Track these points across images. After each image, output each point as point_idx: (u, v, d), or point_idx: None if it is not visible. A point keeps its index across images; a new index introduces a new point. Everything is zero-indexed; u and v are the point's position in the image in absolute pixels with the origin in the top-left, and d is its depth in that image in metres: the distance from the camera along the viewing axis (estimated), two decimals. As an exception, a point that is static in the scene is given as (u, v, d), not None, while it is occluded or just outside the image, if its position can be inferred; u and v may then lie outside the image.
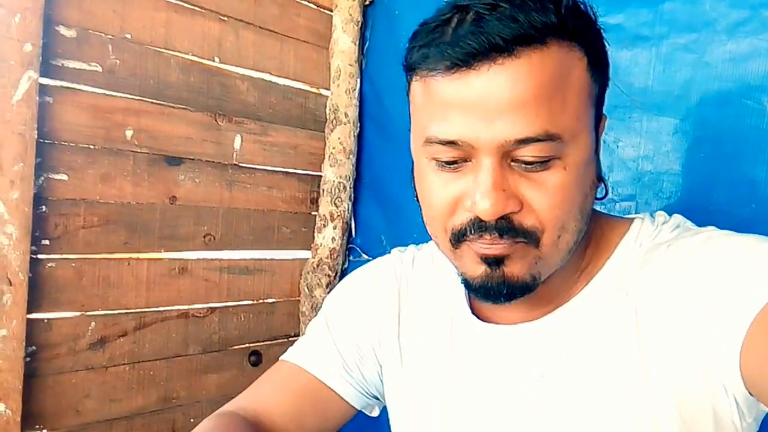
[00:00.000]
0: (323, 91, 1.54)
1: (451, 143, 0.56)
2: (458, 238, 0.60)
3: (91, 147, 1.14)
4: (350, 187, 1.52)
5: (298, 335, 1.49)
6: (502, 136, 0.54)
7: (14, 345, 1.03)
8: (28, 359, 1.06)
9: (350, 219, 1.53)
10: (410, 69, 0.61)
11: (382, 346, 0.81)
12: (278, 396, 0.79)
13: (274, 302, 1.46)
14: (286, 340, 1.46)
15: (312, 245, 1.51)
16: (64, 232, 1.11)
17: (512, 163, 0.56)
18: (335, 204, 1.49)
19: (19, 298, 1.03)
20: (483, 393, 0.70)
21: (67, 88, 1.11)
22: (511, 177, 0.56)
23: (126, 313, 1.20)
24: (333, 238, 1.48)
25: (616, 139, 1.08)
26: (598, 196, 0.66)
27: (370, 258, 1.50)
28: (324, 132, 1.53)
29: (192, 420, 1.29)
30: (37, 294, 1.07)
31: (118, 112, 1.17)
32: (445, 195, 0.60)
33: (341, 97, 1.51)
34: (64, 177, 1.11)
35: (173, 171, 1.26)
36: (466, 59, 0.54)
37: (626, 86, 1.06)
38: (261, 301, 1.43)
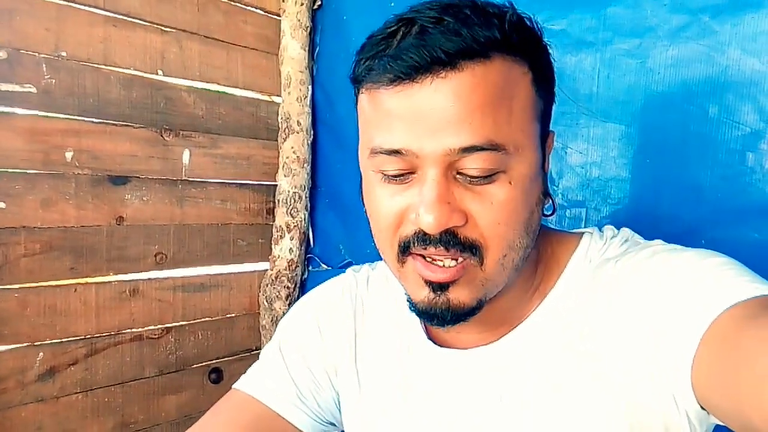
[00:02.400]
0: (275, 98, 1.51)
1: (395, 152, 0.56)
2: (403, 249, 0.59)
3: (30, 172, 1.10)
4: (306, 197, 1.49)
5: (259, 349, 1.47)
6: (446, 145, 0.54)
7: (-44, 383, 1.00)
8: (-28, 397, 1.02)
9: (308, 229, 1.51)
10: (357, 81, 0.61)
11: (339, 374, 0.79)
12: (229, 430, 0.77)
13: (232, 317, 1.43)
14: (247, 354, 1.44)
15: (270, 257, 1.48)
16: (5, 261, 1.07)
17: (457, 176, 0.56)
18: (291, 215, 1.46)
19: (-41, 335, 1.00)
20: (441, 418, 0.69)
21: (1, 112, 1.06)
22: (456, 190, 0.56)
23: (76, 340, 1.17)
24: (291, 249, 1.46)
25: (564, 145, 1.08)
26: (546, 212, 0.65)
27: (330, 268, 1.48)
28: (277, 140, 1.50)
29: (152, 443, 1.27)
30: (-22, 329, 1.04)
31: (56, 133, 1.13)
32: (391, 207, 0.59)
33: (293, 105, 1.48)
34: (2, 205, 1.07)
35: (119, 191, 1.22)
36: (408, 72, 0.54)
37: (572, 92, 1.05)
38: (219, 317, 1.40)
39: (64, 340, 1.15)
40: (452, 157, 0.54)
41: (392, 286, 0.80)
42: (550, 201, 0.66)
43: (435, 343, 0.71)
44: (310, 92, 1.50)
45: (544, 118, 0.62)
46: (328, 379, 0.80)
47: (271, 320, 1.44)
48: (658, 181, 1.01)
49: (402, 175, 0.58)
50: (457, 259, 0.57)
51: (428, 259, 0.58)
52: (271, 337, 1.39)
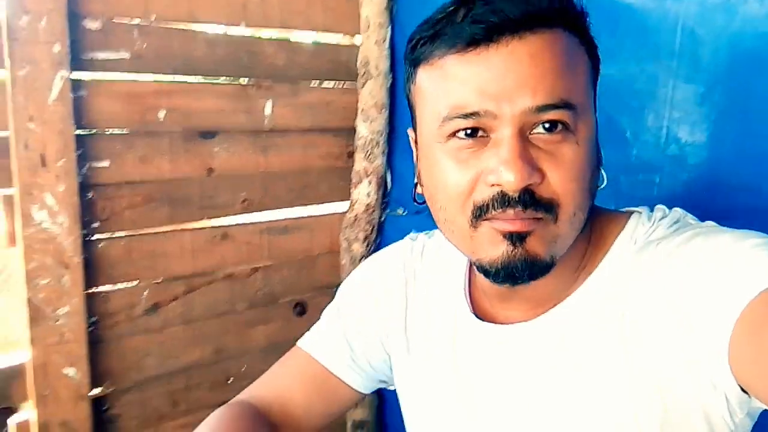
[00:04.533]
0: (357, 40, 1.52)
1: (472, 115, 0.59)
2: (479, 214, 0.61)
3: (128, 132, 1.21)
4: (384, 142, 1.53)
5: (339, 285, 1.57)
6: (523, 105, 0.57)
7: (77, 318, 1.16)
8: (91, 329, 1.19)
9: (385, 173, 1.56)
10: (417, 60, 0.64)
11: (390, 338, 0.86)
12: (289, 384, 0.88)
13: (315, 256, 1.54)
14: (328, 290, 1.55)
15: (349, 201, 1.56)
16: (111, 213, 1.21)
17: (530, 136, 0.59)
18: (369, 160, 1.51)
19: (77, 277, 1.15)
20: (485, 390, 0.74)
21: (99, 80, 1.16)
22: (531, 150, 0.59)
23: (175, 279, 1.31)
24: (368, 194, 1.53)
25: (642, 105, 1.04)
26: (599, 184, 0.67)
27: (407, 212, 1.54)
28: (356, 85, 1.53)
29: (244, 368, 1.43)
30: (92, 272, 1.19)
31: (149, 95, 1.22)
32: (463, 175, 0.61)
33: (371, 49, 1.49)
34: (106, 164, 1.19)
35: (208, 144, 1.32)
36: (486, 35, 0.58)
37: (652, 48, 1.01)
38: (302, 256, 1.51)
39: (164, 279, 1.30)
40: (528, 116, 0.58)
41: (444, 257, 0.84)
42: (602, 174, 0.68)
43: (478, 317, 0.75)
44: (389, 35, 1.50)
45: (594, 89, 0.66)
46: (380, 343, 0.87)
47: (350, 260, 1.53)
48: (739, 149, 0.97)
49: (476, 137, 0.60)
50: (532, 218, 0.60)
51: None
52: (348, 275, 1.50)
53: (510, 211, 0.59)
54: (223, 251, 1.37)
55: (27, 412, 1.16)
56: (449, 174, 0.62)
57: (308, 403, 0.87)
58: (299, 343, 0.91)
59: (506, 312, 0.73)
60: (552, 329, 0.68)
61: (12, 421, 1.16)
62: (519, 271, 0.61)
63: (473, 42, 0.58)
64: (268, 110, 1.39)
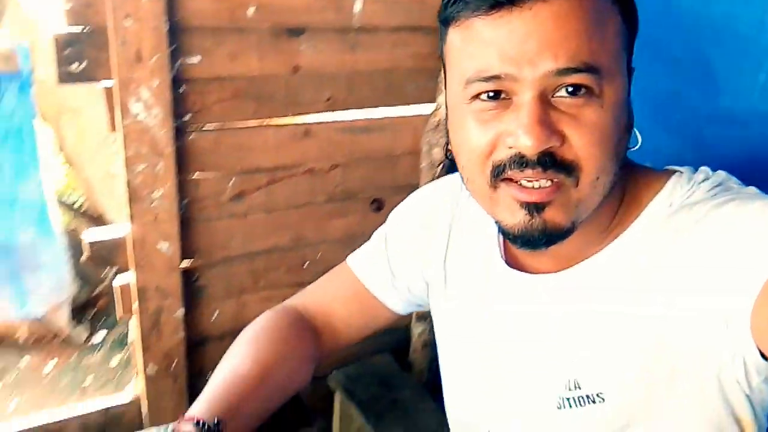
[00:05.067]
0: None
1: (493, 78, 0.60)
2: (497, 174, 0.62)
3: (219, 28, 1.25)
4: (476, 46, 1.47)
5: (418, 186, 1.61)
6: (544, 68, 0.57)
7: (170, 200, 1.29)
8: (182, 211, 1.32)
9: (474, 78, 1.51)
10: (446, 21, 0.65)
11: (430, 268, 0.90)
12: (333, 298, 0.96)
13: (396, 155, 1.57)
14: (406, 189, 1.59)
15: (435, 105, 1.54)
16: (202, 107, 1.29)
17: (553, 99, 0.59)
18: (458, 64, 1.47)
19: (169, 165, 1.26)
20: (508, 332, 0.78)
21: (191, -23, 1.19)
22: (553, 113, 0.59)
23: (258, 171, 1.40)
24: (454, 99, 1.50)
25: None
26: (631, 146, 0.67)
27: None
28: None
29: (319, 255, 1.54)
30: (184, 160, 1.30)
31: (239, -9, 1.24)
32: (484, 135, 0.62)
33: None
34: (197, 59, 1.25)
35: (295, 42, 1.33)
36: None
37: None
38: (383, 155, 1.55)
39: (249, 171, 1.39)
40: (549, 79, 0.58)
41: None
42: (636, 134, 0.67)
43: (508, 263, 0.78)
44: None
45: (629, 49, 0.64)
46: (420, 272, 0.92)
47: (429, 165, 1.55)
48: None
49: (498, 94, 0.61)
50: (552, 180, 0.60)
51: (522, 183, 0.62)
52: (428, 178, 1.53)
53: (528, 171, 0.60)
54: (305, 147, 1.43)
55: (128, 276, 1.34)
56: (471, 134, 0.63)
57: (348, 317, 0.95)
58: (348, 259, 0.98)
59: (534, 263, 0.75)
60: (576, 283, 0.70)
61: (116, 282, 1.34)
62: (536, 239, 0.63)
63: (497, 4, 0.57)
64: (357, 7, 1.37)
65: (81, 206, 3.24)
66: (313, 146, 1.44)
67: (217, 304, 1.47)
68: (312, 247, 1.53)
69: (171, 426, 0.71)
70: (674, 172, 0.70)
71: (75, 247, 2.98)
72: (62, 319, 2.89)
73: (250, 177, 1.39)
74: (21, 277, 2.76)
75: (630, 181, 0.70)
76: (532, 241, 0.63)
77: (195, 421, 0.70)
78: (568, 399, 0.70)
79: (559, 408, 0.71)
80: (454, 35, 0.63)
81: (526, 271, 0.75)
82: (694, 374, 0.62)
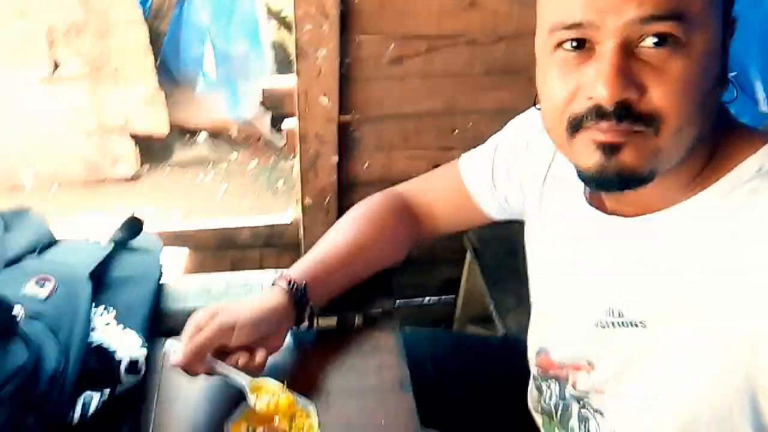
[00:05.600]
0: None
1: (576, 26, 0.60)
2: (575, 126, 0.63)
3: None
4: None
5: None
6: (627, 16, 0.56)
7: (331, 59, 1.39)
8: (342, 69, 1.43)
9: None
10: None
11: (529, 184, 0.94)
12: (437, 192, 1.06)
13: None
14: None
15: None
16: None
17: (636, 49, 0.58)
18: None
19: (334, 26, 1.35)
20: (582, 266, 0.82)
21: None
22: (635, 64, 0.58)
23: (419, 38, 1.43)
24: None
25: None
26: (726, 99, 0.65)
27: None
28: None
29: (470, 124, 1.58)
30: (348, 23, 1.37)
31: None
32: (566, 85, 0.63)
33: None
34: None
35: None
36: None
37: None
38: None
39: (410, 36, 1.42)
40: (633, 28, 0.57)
41: None
42: (733, 87, 0.65)
43: (590, 202, 0.79)
44: None
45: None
46: (519, 185, 0.96)
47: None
48: None
49: (581, 50, 0.61)
50: (628, 130, 0.60)
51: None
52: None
53: (604, 124, 0.60)
54: (469, 17, 1.42)
55: (292, 121, 1.51)
56: (552, 84, 0.64)
57: (447, 211, 1.04)
58: (460, 159, 1.04)
59: (613, 205, 0.76)
60: (646, 231, 0.70)
61: (284, 126, 1.53)
62: (611, 182, 0.63)
63: None
64: None
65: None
66: (477, 17, 1.42)
67: (368, 155, 1.61)
68: (464, 116, 1.58)
69: (276, 276, 0.89)
70: None
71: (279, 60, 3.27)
72: (265, 124, 3.28)
73: (411, 42, 1.43)
74: (234, 82, 3.13)
75: (723, 138, 0.66)
76: (606, 183, 0.64)
77: (288, 279, 0.88)
78: (608, 323, 0.75)
79: (597, 326, 0.76)
80: None
81: (605, 212, 0.77)
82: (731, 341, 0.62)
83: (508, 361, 1.13)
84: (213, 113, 3.29)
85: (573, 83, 0.62)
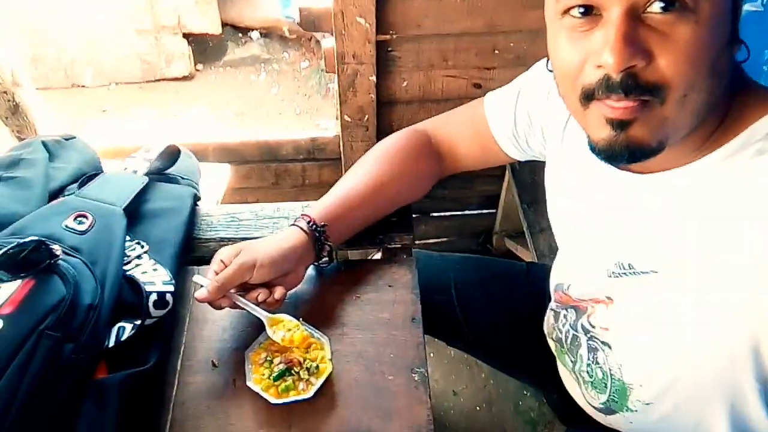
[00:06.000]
0: None
1: None
2: (588, 96, 0.64)
3: None
4: None
5: None
6: None
7: (368, -20, 1.36)
8: None
9: None
10: None
11: (550, 129, 0.94)
12: (461, 131, 1.06)
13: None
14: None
15: None
16: None
17: (643, 15, 0.58)
18: None
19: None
20: (584, 209, 0.85)
21: None
22: (641, 30, 0.58)
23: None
24: None
25: None
26: (739, 58, 0.65)
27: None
28: None
29: (511, 44, 1.53)
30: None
31: None
32: (575, 53, 0.63)
33: None
34: None
35: None
36: None
37: None
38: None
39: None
40: None
41: None
42: (744, 47, 0.64)
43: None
44: None
45: None
46: (540, 129, 0.96)
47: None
48: None
49: (589, 16, 0.60)
50: (636, 101, 0.61)
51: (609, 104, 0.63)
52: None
53: (613, 96, 0.61)
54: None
55: (331, 41, 1.51)
56: (562, 52, 0.65)
57: (470, 149, 1.05)
58: (485, 97, 1.03)
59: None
60: (659, 187, 0.71)
61: (323, 45, 1.52)
62: (620, 156, 0.64)
63: None
64: None
65: None
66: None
67: (407, 74, 1.60)
68: (505, 36, 1.53)
69: (297, 217, 0.94)
70: None
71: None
72: (316, 25, 3.22)
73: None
74: (285, -20, 3.06)
75: (737, 99, 0.66)
76: (615, 156, 0.65)
77: (308, 220, 0.93)
78: (619, 273, 0.78)
79: (610, 276, 0.79)
80: None
81: (618, 167, 0.77)
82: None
83: (530, 288, 1.18)
84: (265, 12, 3.26)
85: (582, 51, 0.62)
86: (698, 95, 0.60)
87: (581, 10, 0.60)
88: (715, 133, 0.66)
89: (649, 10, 0.57)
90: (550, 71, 0.71)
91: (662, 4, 0.56)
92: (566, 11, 0.62)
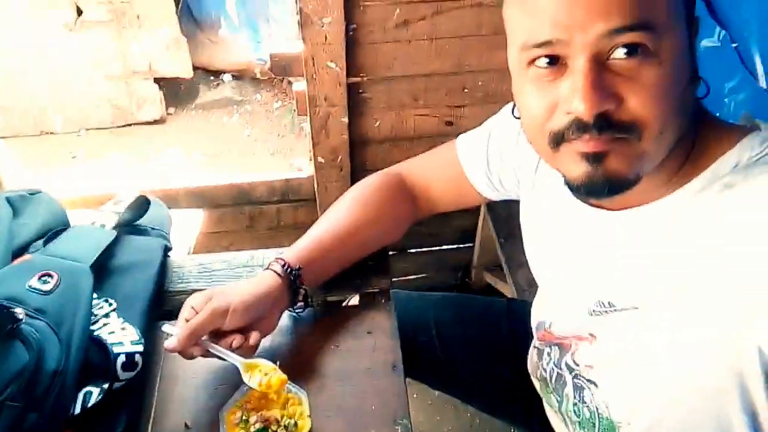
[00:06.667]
0: None
1: (546, 44, 0.60)
2: (557, 140, 0.64)
3: None
4: None
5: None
6: (596, 30, 0.57)
7: (337, 26, 1.37)
8: (349, 33, 1.40)
9: None
10: None
11: (522, 171, 0.94)
12: (434, 172, 1.06)
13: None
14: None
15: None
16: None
17: (608, 61, 0.59)
18: None
19: (338, -7, 1.32)
20: (564, 247, 0.84)
21: None
22: (607, 76, 0.59)
23: (424, 2, 1.39)
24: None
25: None
26: (699, 95, 0.67)
27: None
28: None
29: (480, 83, 1.55)
30: (351, -14, 1.34)
31: None
32: (542, 101, 0.63)
33: None
34: None
35: None
36: None
37: None
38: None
39: (415, 0, 1.39)
40: (602, 41, 0.58)
41: None
42: (703, 83, 0.66)
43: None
44: None
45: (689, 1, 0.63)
46: (513, 170, 0.96)
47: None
48: None
49: (554, 65, 0.61)
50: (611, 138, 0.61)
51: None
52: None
53: (586, 136, 0.61)
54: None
55: (302, 84, 1.51)
56: (530, 101, 0.65)
57: (444, 191, 1.05)
58: (458, 139, 1.03)
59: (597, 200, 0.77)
60: (632, 224, 0.71)
61: (294, 88, 1.53)
62: (599, 189, 0.64)
63: None
64: None
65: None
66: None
67: (379, 114, 1.60)
68: (473, 75, 1.55)
69: (271, 261, 0.92)
70: (755, 128, 0.66)
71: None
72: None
73: (416, 7, 1.40)
74: (256, 24, 3.09)
75: (701, 133, 0.68)
76: (595, 191, 0.65)
77: (282, 263, 0.91)
78: (600, 311, 0.77)
79: (591, 315, 0.79)
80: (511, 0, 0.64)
81: (591, 205, 0.77)
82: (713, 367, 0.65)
83: (512, 326, 1.16)
84: (236, 55, 3.27)
85: (549, 99, 0.62)
86: (672, 131, 0.62)
87: (547, 60, 0.61)
88: (683, 167, 0.67)
89: (613, 56, 0.58)
90: (517, 118, 0.72)
91: (625, 50, 0.58)
92: (531, 62, 0.62)
